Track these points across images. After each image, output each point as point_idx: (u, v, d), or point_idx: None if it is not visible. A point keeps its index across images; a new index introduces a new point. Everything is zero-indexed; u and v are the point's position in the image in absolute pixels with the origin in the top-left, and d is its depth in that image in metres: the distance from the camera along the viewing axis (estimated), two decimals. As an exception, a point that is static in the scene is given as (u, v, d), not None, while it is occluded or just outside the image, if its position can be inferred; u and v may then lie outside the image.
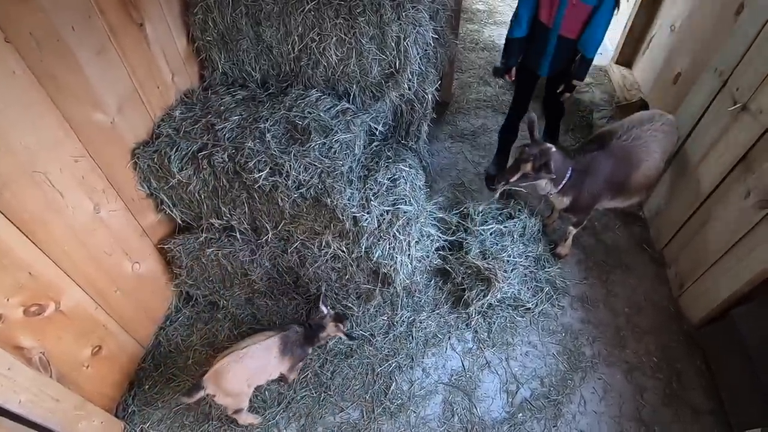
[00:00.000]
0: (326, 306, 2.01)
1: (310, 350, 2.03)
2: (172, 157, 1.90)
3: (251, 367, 1.77)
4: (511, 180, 2.17)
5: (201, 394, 1.69)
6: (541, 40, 2.36)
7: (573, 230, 2.47)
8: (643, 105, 3.23)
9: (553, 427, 1.97)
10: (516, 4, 2.37)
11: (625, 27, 3.73)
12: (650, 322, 2.32)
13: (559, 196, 2.27)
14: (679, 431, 1.95)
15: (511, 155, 3.02)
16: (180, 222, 2.15)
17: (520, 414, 2.00)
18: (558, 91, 2.56)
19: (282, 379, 2.01)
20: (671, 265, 2.49)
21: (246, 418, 1.90)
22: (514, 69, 2.58)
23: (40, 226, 1.49)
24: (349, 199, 1.89)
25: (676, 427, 1.96)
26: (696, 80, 2.43)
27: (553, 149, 2.11)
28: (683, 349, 2.21)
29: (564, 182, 2.18)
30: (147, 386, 2.08)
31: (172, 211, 2.09)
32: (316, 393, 2.06)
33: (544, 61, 2.43)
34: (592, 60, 2.35)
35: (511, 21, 2.41)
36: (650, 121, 2.26)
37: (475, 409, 2.02)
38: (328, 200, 1.86)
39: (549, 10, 2.25)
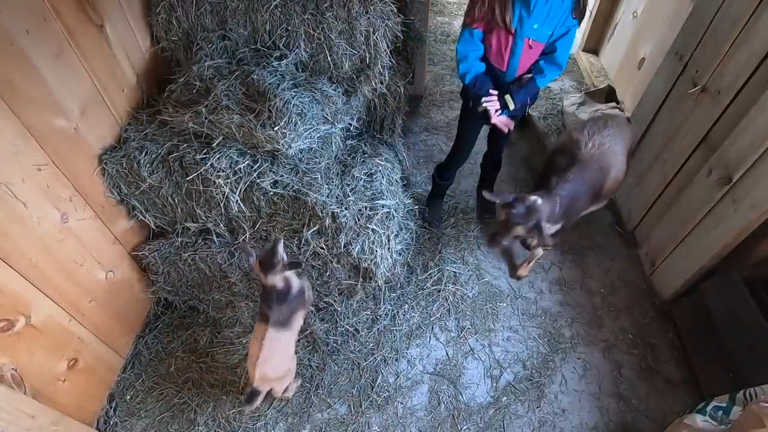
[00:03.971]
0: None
1: (301, 288, 1.80)
2: (142, 161, 1.86)
3: (281, 347, 1.74)
4: (505, 242, 2.03)
5: (261, 397, 1.70)
6: (496, 83, 2.03)
7: (541, 252, 2.38)
8: (610, 91, 3.32)
9: (537, 408, 2.02)
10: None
11: (590, 15, 3.81)
12: (625, 300, 2.40)
13: (550, 226, 2.11)
14: (655, 402, 2.03)
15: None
16: (154, 227, 2.11)
17: (505, 398, 2.05)
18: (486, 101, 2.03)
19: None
20: (642, 245, 2.57)
21: (296, 383, 2.01)
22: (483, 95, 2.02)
23: (4, 239, 1.44)
24: (327, 196, 1.89)
25: (652, 399, 2.04)
26: (658, 65, 2.51)
27: (539, 202, 1.93)
28: (656, 325, 2.29)
29: (555, 215, 2.05)
30: (128, 396, 2.04)
31: (144, 217, 2.04)
32: (302, 391, 2.06)
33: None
34: (539, 89, 2.04)
35: (460, 66, 2.00)
36: (606, 125, 2.18)
37: (460, 396, 2.06)
38: (308, 198, 1.85)
39: (500, 52, 1.93)
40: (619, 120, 2.28)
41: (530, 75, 1.98)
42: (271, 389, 1.75)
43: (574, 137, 2.19)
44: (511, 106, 1.99)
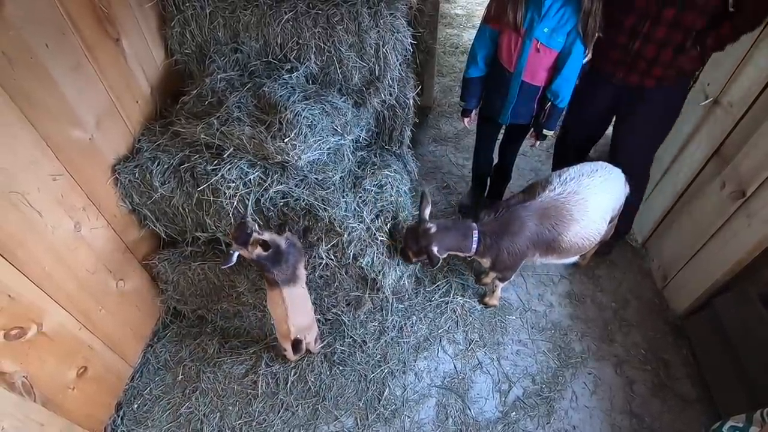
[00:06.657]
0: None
1: (288, 242, 1.83)
2: (154, 171, 1.89)
3: (300, 300, 1.91)
4: (414, 260, 2.03)
5: (304, 345, 1.98)
6: (503, 85, 2.09)
7: (500, 284, 2.29)
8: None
9: (546, 424, 1.98)
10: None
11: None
12: (636, 315, 2.36)
13: (479, 257, 2.07)
14: (669, 421, 1.98)
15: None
16: (164, 237, 2.12)
17: (513, 413, 2.02)
18: (529, 136, 2.32)
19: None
20: (654, 258, 2.54)
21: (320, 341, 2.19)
22: (473, 113, 2.35)
23: (19, 247, 1.46)
24: (345, 211, 1.90)
25: (666, 417, 1.99)
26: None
27: (433, 230, 1.90)
28: (669, 340, 2.25)
29: (475, 247, 1.97)
30: (136, 405, 2.04)
31: (155, 226, 2.06)
32: (309, 403, 2.05)
33: (506, 108, 2.17)
34: (563, 109, 2.12)
35: (468, 59, 2.18)
36: (590, 175, 1.99)
37: (468, 411, 2.03)
38: (325, 214, 1.86)
39: (510, 52, 1.99)
40: (609, 174, 2.02)
41: (550, 103, 2.09)
42: (307, 343, 2.00)
43: (548, 178, 2.04)
44: (549, 135, 2.25)
